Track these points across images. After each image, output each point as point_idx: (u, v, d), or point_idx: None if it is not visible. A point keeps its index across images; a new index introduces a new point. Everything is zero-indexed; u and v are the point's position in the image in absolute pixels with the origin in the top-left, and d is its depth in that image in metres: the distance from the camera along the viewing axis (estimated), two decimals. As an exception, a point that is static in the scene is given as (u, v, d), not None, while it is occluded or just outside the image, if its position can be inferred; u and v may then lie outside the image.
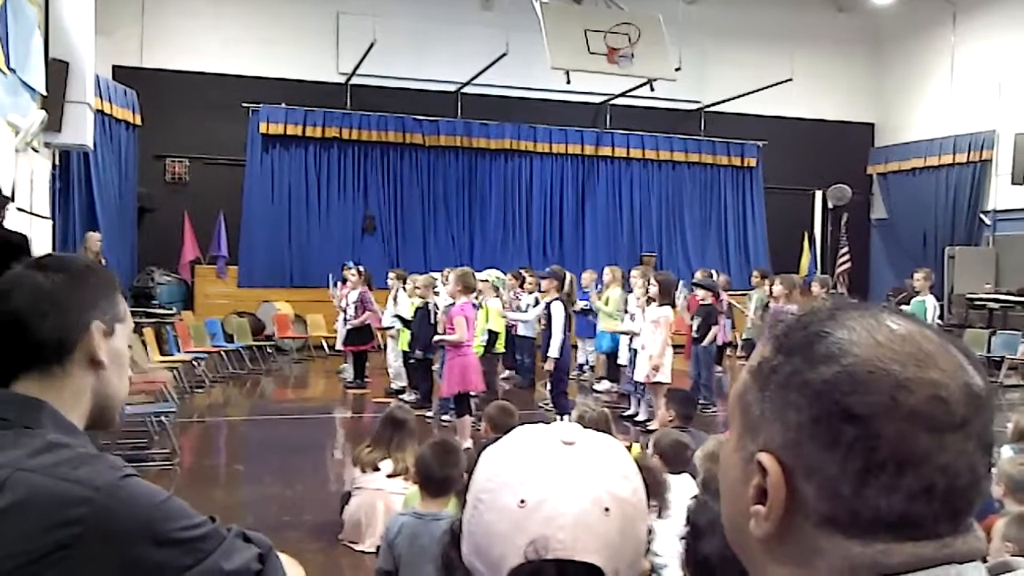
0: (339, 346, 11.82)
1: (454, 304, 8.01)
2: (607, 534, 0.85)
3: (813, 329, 0.73)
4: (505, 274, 11.30)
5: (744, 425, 0.76)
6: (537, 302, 11.01)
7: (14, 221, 6.76)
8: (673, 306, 9.15)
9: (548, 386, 9.12)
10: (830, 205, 17.60)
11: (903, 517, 0.68)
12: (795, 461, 0.71)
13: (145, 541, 1.18)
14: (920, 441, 0.68)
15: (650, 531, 0.92)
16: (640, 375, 8.82)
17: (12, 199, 6.00)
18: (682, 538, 2.16)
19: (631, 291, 9.76)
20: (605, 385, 11.06)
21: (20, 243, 5.33)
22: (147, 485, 1.25)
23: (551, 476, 0.86)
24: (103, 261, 10.92)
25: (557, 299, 8.73)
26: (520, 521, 0.84)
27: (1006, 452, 4.66)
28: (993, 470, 3.77)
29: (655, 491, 2.92)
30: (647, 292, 8.96)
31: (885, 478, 0.68)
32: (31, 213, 8.69)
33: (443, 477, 3.59)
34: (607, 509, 0.85)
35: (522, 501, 0.85)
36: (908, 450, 0.67)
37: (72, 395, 1.30)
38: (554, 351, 8.45)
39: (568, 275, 9.58)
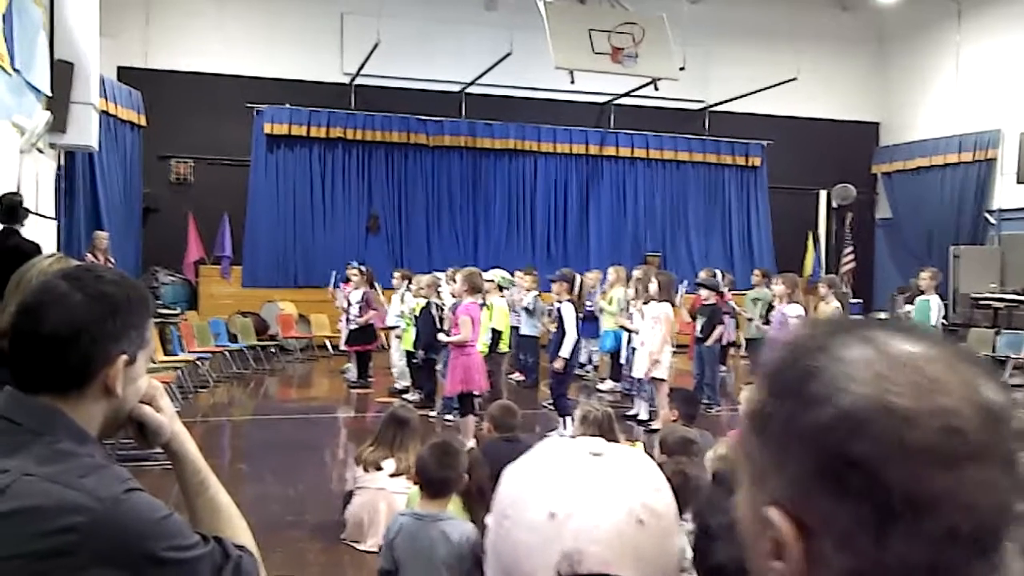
0: (343, 346, 11.84)
1: (459, 303, 8.02)
2: (642, 547, 0.81)
3: (803, 364, 0.67)
4: (512, 275, 11.30)
5: (750, 475, 0.70)
6: (535, 300, 11.02)
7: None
8: (673, 304, 9.16)
9: (550, 386, 9.12)
10: (834, 204, 17.56)
11: (932, 564, 0.62)
12: (807, 514, 0.64)
13: (139, 557, 1.20)
14: (935, 480, 0.61)
15: (683, 548, 0.89)
16: (639, 371, 8.83)
17: (28, 210, 6.01)
18: (692, 537, 2.03)
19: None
20: (609, 385, 11.06)
21: (32, 252, 5.37)
22: (150, 501, 1.26)
23: (581, 487, 0.82)
24: (111, 260, 10.95)
25: (568, 301, 8.73)
26: (551, 534, 0.80)
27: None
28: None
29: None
30: (643, 291, 9.01)
31: (903, 525, 0.61)
32: (36, 214, 8.72)
33: (441, 478, 3.59)
34: (641, 521, 0.81)
35: (552, 514, 0.80)
36: (923, 492, 0.61)
37: (83, 417, 1.31)
38: (566, 351, 8.44)
39: (578, 277, 9.58)
